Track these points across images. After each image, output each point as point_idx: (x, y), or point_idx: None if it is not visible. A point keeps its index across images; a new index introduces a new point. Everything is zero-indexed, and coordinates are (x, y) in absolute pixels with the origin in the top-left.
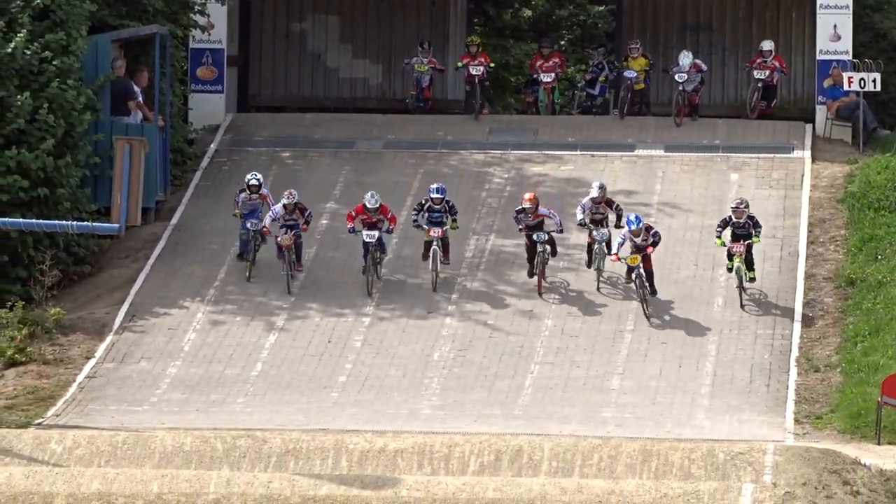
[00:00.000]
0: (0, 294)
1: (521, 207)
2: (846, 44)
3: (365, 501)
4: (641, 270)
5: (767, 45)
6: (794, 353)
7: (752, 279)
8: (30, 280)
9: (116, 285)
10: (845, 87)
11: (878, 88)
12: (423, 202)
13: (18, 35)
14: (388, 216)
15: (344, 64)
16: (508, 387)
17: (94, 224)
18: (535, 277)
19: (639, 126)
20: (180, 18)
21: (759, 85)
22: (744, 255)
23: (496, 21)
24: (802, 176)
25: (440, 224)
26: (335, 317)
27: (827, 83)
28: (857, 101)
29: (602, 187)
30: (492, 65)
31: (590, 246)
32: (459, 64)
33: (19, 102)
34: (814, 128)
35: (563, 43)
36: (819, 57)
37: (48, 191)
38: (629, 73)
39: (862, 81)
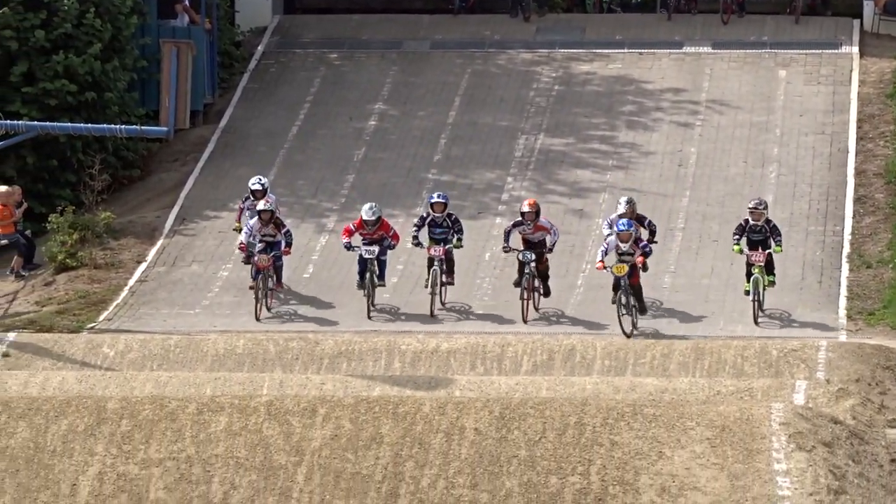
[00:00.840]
0: (50, 199)
1: (519, 217)
2: None
3: (418, 402)
4: (627, 284)
5: None
6: (846, 249)
7: (772, 283)
8: (79, 185)
9: (166, 189)
10: None
11: None
12: (425, 215)
13: None
14: (391, 233)
15: None
16: (560, 286)
17: (142, 128)
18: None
19: (686, 24)
20: None
21: None
22: (763, 265)
23: None
24: (851, 72)
25: (444, 241)
26: (386, 218)
27: None
28: None
29: (630, 202)
30: None
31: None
32: None
33: (66, 7)
34: (861, 23)
35: None
36: None
37: (96, 95)
38: None
39: None
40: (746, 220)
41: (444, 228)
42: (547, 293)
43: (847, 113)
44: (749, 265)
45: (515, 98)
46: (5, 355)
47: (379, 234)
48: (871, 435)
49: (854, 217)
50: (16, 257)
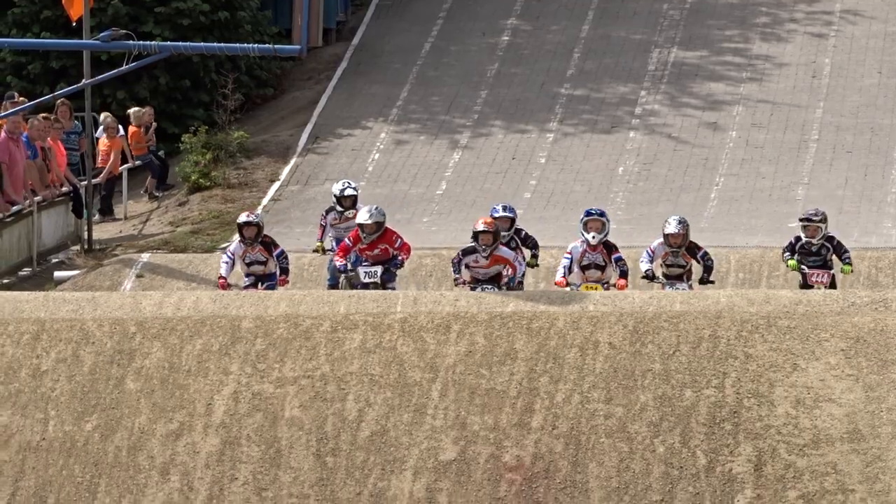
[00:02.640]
0: (183, 119)
1: (469, 246)
2: None
3: (552, 317)
4: None
5: None
6: None
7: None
8: (212, 104)
9: (299, 107)
10: None
11: None
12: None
13: None
14: (397, 245)
15: None
16: (694, 199)
17: (275, 46)
18: None
19: None
20: None
21: None
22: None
23: None
24: None
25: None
26: (519, 133)
27: None
28: None
29: (682, 223)
30: None
31: None
32: None
33: None
34: None
35: None
36: None
37: (228, 14)
38: None
39: None
40: (798, 238)
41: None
42: None
43: None
44: (808, 286)
45: (648, 11)
46: (139, 276)
47: (382, 249)
48: None
49: None
50: (149, 178)
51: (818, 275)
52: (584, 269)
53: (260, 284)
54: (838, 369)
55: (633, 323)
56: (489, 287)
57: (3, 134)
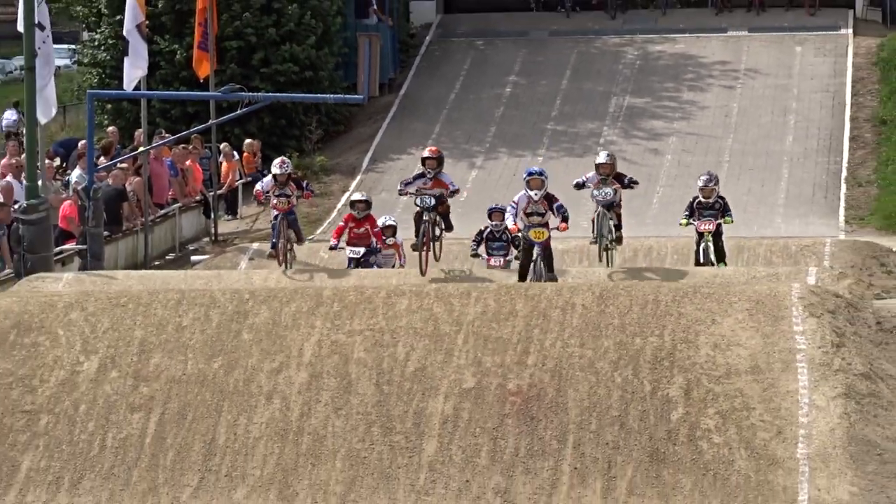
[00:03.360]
0: (281, 147)
1: (418, 173)
2: None
3: (542, 287)
4: (540, 255)
5: None
6: (844, 173)
7: (723, 265)
8: (301, 137)
9: (362, 139)
10: None
11: None
12: (483, 228)
13: None
14: (374, 230)
15: None
16: (641, 203)
17: (345, 96)
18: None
19: (728, 15)
20: None
21: None
22: (712, 235)
23: None
24: (847, 47)
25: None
26: (518, 157)
27: None
28: None
29: (610, 155)
30: None
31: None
32: None
33: (290, 11)
34: (854, 12)
35: None
36: None
37: (312, 73)
38: None
39: None
40: (695, 198)
41: (502, 242)
42: (449, 228)
43: (844, 76)
44: (699, 234)
45: (609, 70)
46: (251, 259)
47: (364, 229)
48: (861, 305)
49: (849, 151)
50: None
51: (705, 222)
52: (528, 215)
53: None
54: (744, 323)
55: (599, 291)
56: (428, 198)
57: (153, 158)
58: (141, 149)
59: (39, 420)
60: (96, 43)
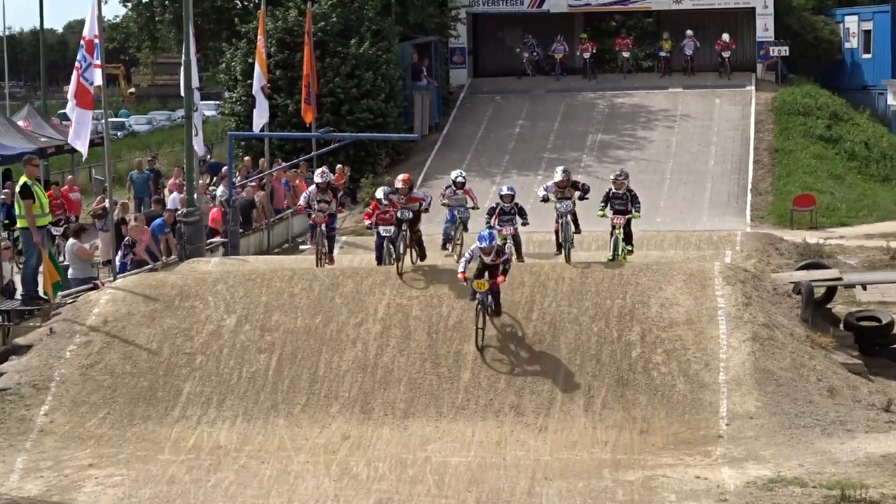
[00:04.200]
0: (362, 170)
1: (391, 189)
2: (771, 33)
3: (541, 265)
4: (487, 297)
5: (725, 36)
6: (749, 186)
7: (631, 251)
8: (375, 163)
9: (417, 164)
10: (771, 54)
11: (786, 54)
12: (495, 206)
13: (364, 44)
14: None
15: (524, 53)
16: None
17: (404, 135)
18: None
19: (669, 77)
20: (444, 32)
21: (726, 56)
22: (622, 228)
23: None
24: (751, 98)
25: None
26: (524, 176)
27: (763, 51)
28: (777, 61)
29: (566, 172)
30: (594, 49)
31: (557, 231)
32: (577, 51)
33: (367, 77)
34: (755, 75)
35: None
36: (758, 39)
37: (382, 119)
38: (661, 53)
39: (778, 51)
40: (610, 189)
41: (510, 215)
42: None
43: (749, 119)
44: (613, 227)
45: (587, 116)
46: (341, 247)
47: (389, 214)
48: (762, 276)
49: (753, 170)
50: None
51: (617, 218)
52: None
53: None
54: (681, 289)
55: (581, 269)
56: (406, 211)
57: (274, 178)
58: (265, 172)
59: (196, 359)
60: (234, 99)
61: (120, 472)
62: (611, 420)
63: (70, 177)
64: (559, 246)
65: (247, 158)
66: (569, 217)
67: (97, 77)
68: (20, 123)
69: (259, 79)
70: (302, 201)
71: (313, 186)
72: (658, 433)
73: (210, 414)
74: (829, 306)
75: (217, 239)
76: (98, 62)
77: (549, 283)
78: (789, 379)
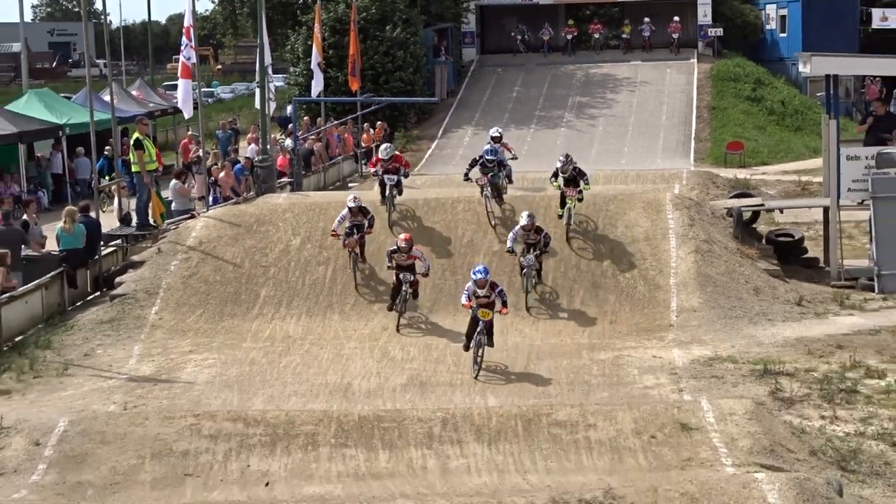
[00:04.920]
0: (395, 125)
1: (394, 247)
2: (709, 18)
3: (541, 197)
4: (484, 326)
5: (676, 19)
6: (692, 135)
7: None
8: (406, 121)
9: (438, 121)
10: (709, 34)
11: (721, 34)
12: (477, 158)
13: (397, 29)
14: (403, 162)
15: (517, 36)
16: (584, 154)
17: (428, 99)
18: (395, 313)
19: (632, 53)
20: (458, 20)
21: (675, 36)
22: (575, 197)
23: (577, 12)
24: (694, 69)
25: (492, 174)
26: (521, 129)
27: (703, 32)
28: (714, 40)
29: (531, 216)
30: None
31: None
32: (563, 33)
33: (399, 55)
34: (697, 50)
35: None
36: (699, 23)
37: (411, 87)
38: (623, 35)
39: (715, 31)
40: (558, 169)
41: (491, 168)
42: (490, 344)
43: (692, 84)
44: (564, 197)
45: (568, 83)
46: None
47: (394, 166)
48: (703, 204)
49: (696, 124)
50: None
51: (570, 190)
52: (477, 298)
53: (355, 231)
54: (642, 214)
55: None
56: (409, 275)
57: (328, 132)
58: (321, 128)
59: (269, 270)
60: (297, 73)
61: (213, 356)
62: (588, 314)
63: (190, 132)
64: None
65: (306, 118)
66: (533, 271)
67: (193, 56)
68: (133, 93)
69: (315, 57)
70: (335, 225)
71: (346, 210)
72: (624, 323)
73: (281, 312)
74: (754, 226)
75: (285, 179)
76: (193, 45)
77: (539, 210)
78: (724, 281)
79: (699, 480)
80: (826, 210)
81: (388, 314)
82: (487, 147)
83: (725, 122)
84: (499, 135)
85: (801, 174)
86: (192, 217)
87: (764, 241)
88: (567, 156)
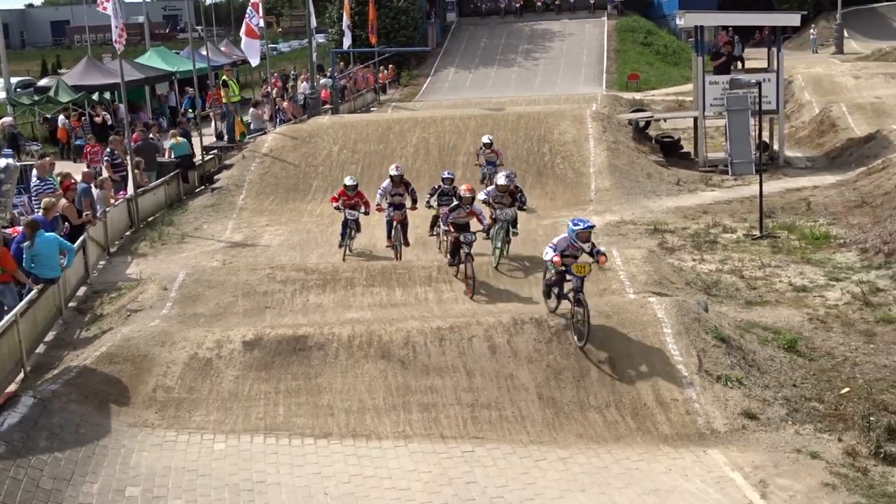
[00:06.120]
0: (399, 68)
1: (457, 202)
2: None
3: (493, 117)
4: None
5: None
6: (604, 70)
7: (516, 234)
8: (408, 64)
9: (429, 64)
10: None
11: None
12: (436, 187)
13: (401, 1)
14: (364, 200)
15: (482, 4)
16: (527, 87)
17: (422, 48)
18: (459, 272)
19: (562, 14)
20: None
21: (591, 1)
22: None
23: None
24: (605, 24)
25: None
26: (490, 69)
27: None
28: (619, 3)
29: (510, 176)
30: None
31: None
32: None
33: (402, 19)
34: (607, 10)
35: None
36: None
37: (411, 41)
38: (556, 2)
39: None
40: (496, 188)
41: (448, 196)
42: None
43: (604, 35)
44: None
45: (519, 36)
46: (394, 108)
47: (355, 201)
48: (613, 117)
49: (606, 62)
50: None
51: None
52: (564, 255)
53: (397, 208)
54: (570, 124)
55: (517, 115)
56: (469, 235)
57: (353, 73)
58: (350, 70)
59: (318, 169)
60: (333, 32)
61: (282, 228)
62: (535, 193)
63: (275, 75)
64: (494, 253)
65: (341, 63)
66: (508, 226)
67: (261, 21)
68: (222, 49)
69: (345, 21)
70: (378, 198)
71: (388, 182)
72: (559, 199)
73: (327, 196)
74: (647, 131)
75: (327, 106)
76: (261, 14)
77: (505, 124)
78: (626, 169)
79: (612, 303)
80: (695, 119)
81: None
82: (446, 172)
83: (626, 60)
84: (490, 141)
85: (678, 95)
86: (265, 133)
87: (653, 141)
88: (511, 175)
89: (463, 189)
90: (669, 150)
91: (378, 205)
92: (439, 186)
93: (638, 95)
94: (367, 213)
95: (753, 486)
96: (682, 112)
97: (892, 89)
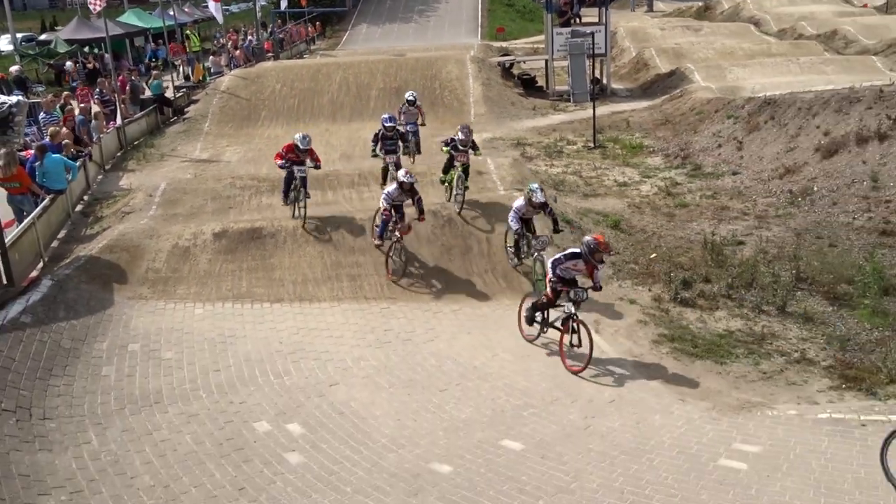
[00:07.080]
0: (325, 24)
1: (457, 138)
2: None
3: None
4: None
5: None
6: (479, 25)
7: (467, 188)
8: (330, 23)
9: (349, 21)
10: None
11: None
12: (378, 132)
13: None
14: (314, 156)
15: None
16: (456, 33)
17: (341, 8)
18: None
19: None
20: None
21: None
22: (463, 165)
23: None
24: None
25: (394, 152)
26: (398, 25)
27: None
28: None
29: (467, 130)
30: None
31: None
32: None
33: None
34: None
35: None
36: None
37: (332, 3)
38: None
39: None
40: (454, 138)
41: (392, 140)
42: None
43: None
44: (453, 165)
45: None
46: (320, 55)
47: (302, 158)
48: (487, 60)
49: (480, 19)
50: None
51: (462, 155)
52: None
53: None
54: (455, 67)
55: (422, 60)
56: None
57: (289, 28)
58: (286, 26)
59: (265, 102)
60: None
61: (239, 147)
62: (429, 118)
63: (231, 30)
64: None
65: (279, 20)
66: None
67: None
68: (185, 9)
69: None
70: (383, 203)
71: (394, 187)
72: (448, 122)
73: (272, 124)
74: (511, 71)
75: (270, 54)
76: None
77: (401, 67)
78: (497, 99)
79: (486, 197)
80: (546, 61)
81: (329, 121)
82: (385, 116)
83: (495, 18)
84: (413, 98)
85: (534, 44)
86: (222, 76)
87: (516, 78)
88: (468, 129)
89: (594, 238)
90: (528, 85)
91: (385, 209)
92: (381, 131)
93: (504, 44)
94: (317, 168)
95: (590, 323)
96: (536, 56)
97: (689, 38)
